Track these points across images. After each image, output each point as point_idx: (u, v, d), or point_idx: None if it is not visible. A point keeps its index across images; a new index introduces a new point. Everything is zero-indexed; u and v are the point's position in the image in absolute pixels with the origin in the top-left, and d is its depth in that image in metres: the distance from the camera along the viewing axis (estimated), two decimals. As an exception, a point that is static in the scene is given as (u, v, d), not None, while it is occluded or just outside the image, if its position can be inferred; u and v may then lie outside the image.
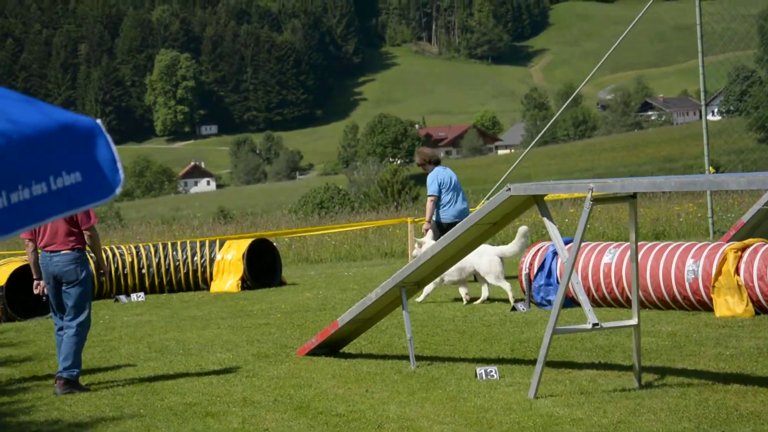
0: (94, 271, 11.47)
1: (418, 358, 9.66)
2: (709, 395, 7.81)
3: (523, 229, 13.14)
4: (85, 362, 10.26)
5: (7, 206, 3.73)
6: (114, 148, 4.09)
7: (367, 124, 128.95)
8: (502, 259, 13.30)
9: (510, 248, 13.24)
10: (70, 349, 9.14)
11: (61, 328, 9.35)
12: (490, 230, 9.26)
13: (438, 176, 14.54)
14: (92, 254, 9.60)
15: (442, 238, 9.19)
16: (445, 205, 14.54)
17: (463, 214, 14.36)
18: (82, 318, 9.21)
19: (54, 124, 3.93)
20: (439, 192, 14.46)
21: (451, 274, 13.16)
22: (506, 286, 13.25)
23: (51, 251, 9.23)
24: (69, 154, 3.93)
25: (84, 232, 9.30)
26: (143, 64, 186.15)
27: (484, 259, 13.24)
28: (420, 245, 13.84)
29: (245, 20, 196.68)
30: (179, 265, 17.16)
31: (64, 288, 9.23)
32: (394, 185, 60.87)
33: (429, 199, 14.47)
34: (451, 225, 14.26)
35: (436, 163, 14.66)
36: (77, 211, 4.08)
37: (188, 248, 17.28)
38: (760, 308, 11.25)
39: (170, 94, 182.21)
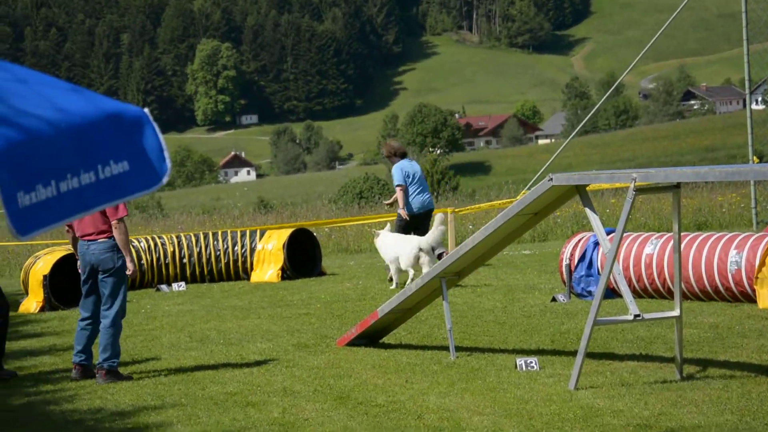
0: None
1: (458, 348, 9.64)
2: (752, 387, 7.73)
3: (439, 216, 14.23)
4: (127, 351, 10.34)
5: (56, 195, 3.75)
6: (161, 137, 4.09)
7: (407, 114, 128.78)
8: (421, 249, 14.00)
9: (428, 238, 14.10)
10: (107, 339, 9.18)
11: (84, 319, 9.36)
12: (532, 220, 9.22)
13: (403, 168, 15.05)
14: (133, 245, 9.61)
15: (483, 228, 9.15)
16: (409, 197, 15.02)
17: (427, 205, 15.10)
18: (117, 307, 9.24)
19: (102, 114, 3.94)
20: (405, 182, 14.97)
21: (395, 261, 14.21)
22: (411, 272, 14.09)
23: (88, 240, 9.28)
24: (117, 143, 3.93)
25: (112, 223, 9.25)
26: (184, 54, 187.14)
27: (407, 248, 14.06)
28: (376, 235, 14.73)
29: (286, 9, 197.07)
30: (220, 254, 17.23)
31: (100, 277, 9.26)
32: (433, 175, 60.72)
33: (398, 188, 14.94)
34: (416, 216, 14.92)
35: (402, 156, 15.21)
36: (125, 200, 4.09)
37: (229, 238, 17.35)
38: (804, 300, 11.12)
39: (211, 84, 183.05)
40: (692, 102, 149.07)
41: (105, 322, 9.23)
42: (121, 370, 9.37)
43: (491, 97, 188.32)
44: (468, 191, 42.09)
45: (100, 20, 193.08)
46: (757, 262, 11.29)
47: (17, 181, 3.62)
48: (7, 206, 3.58)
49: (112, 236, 9.25)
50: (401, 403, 7.78)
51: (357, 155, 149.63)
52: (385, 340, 10.33)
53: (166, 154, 4.09)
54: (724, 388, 7.78)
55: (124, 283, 9.31)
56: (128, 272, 9.35)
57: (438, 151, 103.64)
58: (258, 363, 9.60)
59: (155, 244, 17.16)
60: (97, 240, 9.25)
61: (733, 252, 11.59)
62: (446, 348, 9.64)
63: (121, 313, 9.30)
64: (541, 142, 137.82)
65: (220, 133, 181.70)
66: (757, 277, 11.30)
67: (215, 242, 17.29)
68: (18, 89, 3.92)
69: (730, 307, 11.42)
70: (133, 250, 9.76)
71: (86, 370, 9.35)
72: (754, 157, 19.95)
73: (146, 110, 4.13)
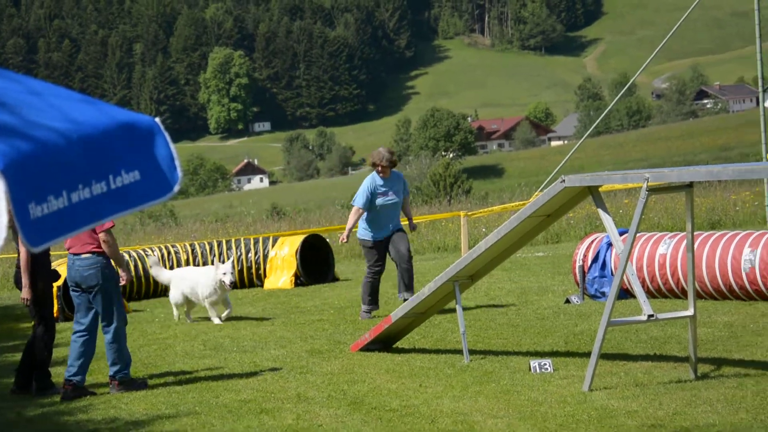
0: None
1: (472, 352, 9.64)
2: (766, 386, 7.71)
3: (151, 259, 13.88)
4: (141, 360, 10.37)
5: (68, 206, 3.76)
6: (172, 146, 4.11)
7: (419, 118, 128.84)
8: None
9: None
10: (114, 354, 9.07)
11: (76, 332, 9.10)
12: (545, 222, 9.21)
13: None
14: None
15: (496, 230, 9.15)
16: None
17: None
18: (116, 321, 9.05)
19: (113, 124, 3.96)
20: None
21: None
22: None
23: (73, 254, 9.08)
24: (128, 153, 3.95)
25: (99, 236, 9.00)
26: (197, 63, 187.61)
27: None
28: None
29: (298, 16, 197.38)
30: (233, 262, 17.23)
31: (89, 295, 9.04)
32: (446, 179, 60.77)
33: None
34: None
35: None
36: (136, 210, 4.11)
37: (242, 245, 17.37)
38: (819, 298, 11.08)
39: (224, 92, 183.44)
40: (705, 101, 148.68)
41: (107, 337, 9.07)
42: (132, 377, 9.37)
43: (504, 99, 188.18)
44: (481, 194, 42.08)
45: (112, 30, 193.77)
46: (771, 261, 11.25)
47: (29, 192, 3.64)
48: (19, 218, 3.60)
49: (96, 252, 9.00)
50: (415, 407, 7.78)
51: (370, 160, 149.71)
52: (399, 344, 10.33)
53: (178, 164, 4.11)
54: (738, 386, 7.76)
55: (115, 296, 9.08)
56: (122, 282, 9.19)
57: (451, 155, 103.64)
58: (272, 370, 9.61)
59: (168, 253, 17.20)
60: (80, 255, 9.02)
61: (747, 250, 11.56)
62: (460, 351, 9.63)
63: (122, 324, 9.11)
64: (554, 143, 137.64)
65: (233, 140, 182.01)
66: (771, 276, 11.26)
67: (228, 250, 17.32)
68: (30, 101, 3.95)
69: (744, 306, 11.39)
70: (128, 259, 9.66)
71: (77, 390, 9.03)
72: (767, 155, 19.86)
73: (157, 119, 4.15)
